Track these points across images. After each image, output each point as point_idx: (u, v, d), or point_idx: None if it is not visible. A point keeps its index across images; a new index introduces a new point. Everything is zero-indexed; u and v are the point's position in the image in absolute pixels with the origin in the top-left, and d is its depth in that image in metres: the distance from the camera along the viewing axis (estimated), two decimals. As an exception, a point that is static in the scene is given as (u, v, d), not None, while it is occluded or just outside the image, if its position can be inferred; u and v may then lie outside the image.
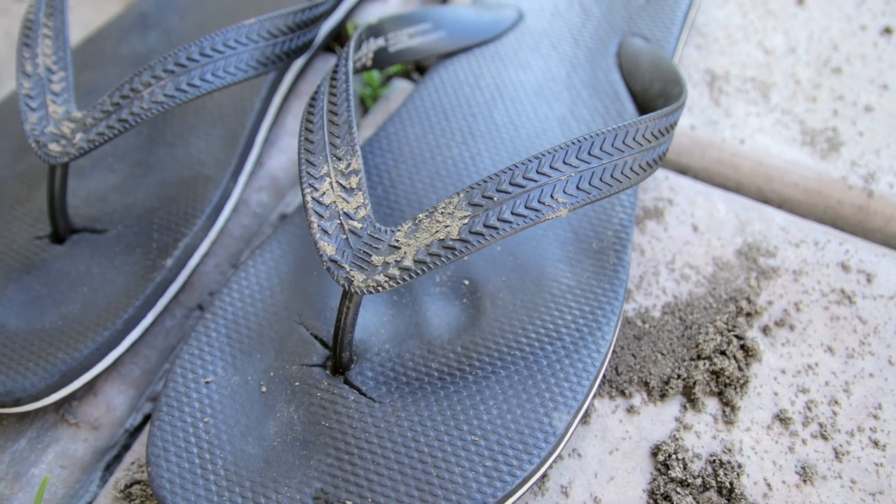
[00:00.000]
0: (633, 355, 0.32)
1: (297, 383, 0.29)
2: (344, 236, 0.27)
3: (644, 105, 0.35)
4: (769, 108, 0.38)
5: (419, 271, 0.26)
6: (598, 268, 0.32)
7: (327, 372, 0.29)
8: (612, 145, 0.28)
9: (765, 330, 0.32)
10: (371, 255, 0.27)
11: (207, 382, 0.29)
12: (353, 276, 0.27)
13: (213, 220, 0.34)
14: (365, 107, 0.42)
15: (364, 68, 0.35)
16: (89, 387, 0.32)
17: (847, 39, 0.40)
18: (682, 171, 0.38)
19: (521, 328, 0.30)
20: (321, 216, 0.27)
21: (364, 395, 0.28)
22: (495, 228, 0.26)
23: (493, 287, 0.31)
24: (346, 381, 0.29)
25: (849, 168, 0.36)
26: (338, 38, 0.43)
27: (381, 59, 0.36)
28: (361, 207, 0.28)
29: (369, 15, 0.45)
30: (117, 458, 0.31)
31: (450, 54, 0.38)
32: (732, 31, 0.41)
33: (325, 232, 0.27)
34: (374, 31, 0.35)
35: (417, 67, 0.43)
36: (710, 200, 0.36)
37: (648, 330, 0.32)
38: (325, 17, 0.36)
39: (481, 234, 0.26)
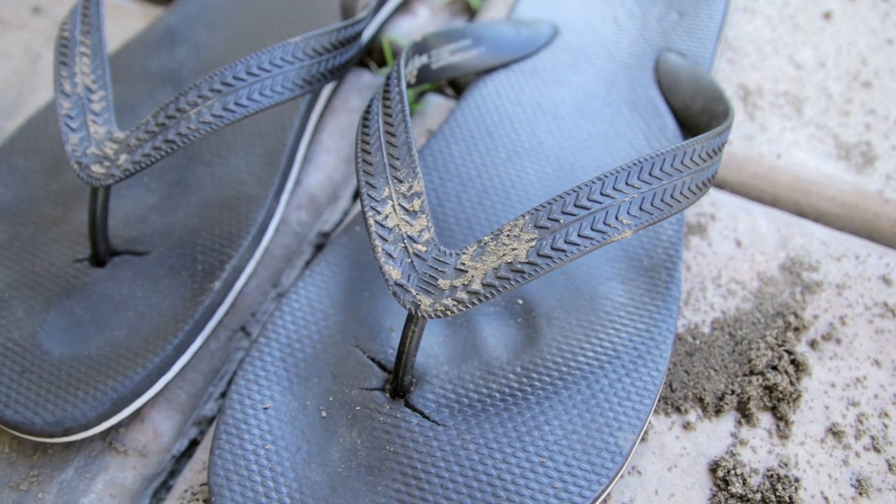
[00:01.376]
0: (686, 371, 0.32)
1: (357, 408, 0.28)
2: (409, 260, 0.27)
3: (686, 122, 0.35)
4: (803, 122, 0.39)
5: (488, 295, 0.26)
6: (650, 285, 0.32)
7: (387, 395, 0.29)
8: (672, 165, 0.28)
9: (812, 344, 0.33)
10: (437, 279, 0.27)
11: (266, 408, 0.29)
12: (420, 301, 0.26)
13: (258, 241, 0.34)
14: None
15: (408, 85, 0.35)
16: (136, 413, 0.31)
17: (875, 53, 0.41)
18: (720, 185, 0.38)
19: (578, 347, 0.30)
20: (385, 240, 0.27)
21: (427, 418, 0.28)
22: (563, 251, 0.26)
23: (547, 306, 0.31)
24: (408, 405, 0.29)
25: (884, 181, 0.37)
26: (370, 53, 0.43)
27: (424, 77, 0.35)
28: (425, 230, 0.27)
29: (398, 29, 0.44)
30: (164, 485, 0.31)
31: (488, 70, 0.38)
32: (762, 45, 0.41)
33: (390, 256, 0.27)
34: (419, 48, 0.34)
35: (450, 83, 0.42)
36: (752, 215, 0.36)
37: (699, 346, 0.32)
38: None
39: (549, 258, 0.26)
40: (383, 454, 0.27)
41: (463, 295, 0.26)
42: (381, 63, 0.43)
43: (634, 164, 0.27)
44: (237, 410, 0.28)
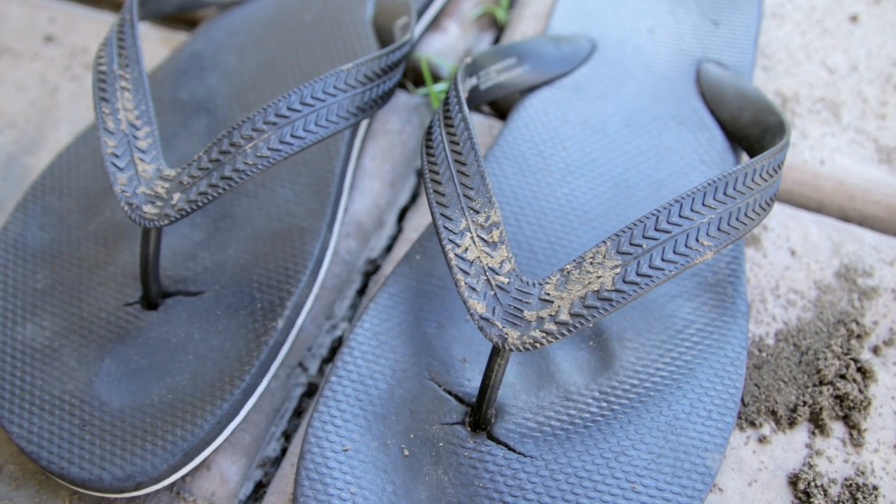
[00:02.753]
0: (757, 385, 0.32)
1: (440, 444, 0.28)
2: (492, 292, 0.26)
3: (735, 134, 0.35)
4: (842, 127, 0.39)
5: (577, 325, 0.25)
6: (716, 301, 0.32)
7: (468, 429, 0.28)
8: (743, 184, 0.28)
9: (875, 350, 0.33)
10: (523, 311, 0.26)
11: (345, 450, 0.28)
12: (508, 334, 0.26)
13: (316, 275, 0.33)
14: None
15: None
16: (202, 460, 0.30)
17: (903, 56, 0.41)
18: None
19: (653, 368, 0.30)
20: (467, 273, 0.27)
21: (513, 450, 0.28)
22: (648, 276, 0.26)
23: (617, 328, 0.31)
24: (491, 438, 0.28)
25: (926, 184, 0.37)
26: (405, 73, 0.42)
27: (473, 98, 0.35)
28: (506, 261, 0.27)
29: (430, 47, 0.44)
30: (232, 532, 0.30)
31: (531, 88, 0.37)
32: (794, 51, 0.41)
33: (473, 289, 0.26)
34: (470, 69, 0.34)
35: (488, 101, 0.42)
36: (802, 224, 0.36)
37: (766, 358, 0.32)
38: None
39: (636, 284, 0.26)
40: (472, 490, 0.27)
41: (551, 326, 0.26)
42: (417, 83, 0.42)
43: (709, 184, 0.27)
44: (317, 455, 0.27)
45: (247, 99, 0.38)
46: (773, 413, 0.31)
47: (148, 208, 0.29)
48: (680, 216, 0.27)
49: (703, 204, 0.27)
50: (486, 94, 0.35)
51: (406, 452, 0.28)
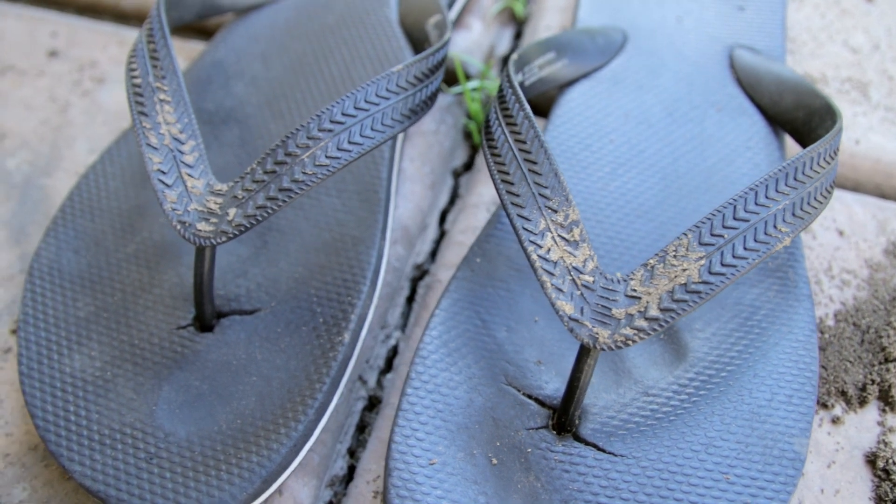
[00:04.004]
0: (824, 367, 0.32)
1: (528, 449, 0.27)
2: (578, 292, 0.26)
3: (777, 118, 0.35)
4: (872, 106, 0.40)
5: (668, 319, 0.25)
6: (779, 286, 0.32)
7: (553, 433, 0.28)
8: (811, 168, 0.28)
9: (931, 324, 0.33)
10: (611, 309, 0.26)
11: (432, 464, 0.27)
12: (598, 333, 0.25)
13: (375, 284, 0.32)
14: (472, 141, 0.40)
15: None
16: (274, 484, 0.29)
17: (921, 33, 0.42)
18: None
19: (727, 357, 0.30)
20: (552, 274, 0.26)
21: (602, 450, 0.27)
22: (733, 266, 0.26)
23: (686, 319, 0.31)
24: (579, 439, 0.28)
25: (959, 157, 0.38)
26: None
27: (519, 94, 0.34)
28: (589, 259, 0.26)
29: (455, 45, 0.43)
30: (307, 556, 0.29)
31: (569, 83, 0.37)
32: (816, 32, 0.42)
33: (560, 290, 0.26)
34: (517, 66, 0.33)
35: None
36: (846, 204, 0.37)
37: (830, 340, 0.33)
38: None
39: (722, 275, 0.26)
40: (567, 494, 0.26)
41: (642, 323, 0.25)
42: (448, 82, 0.41)
43: (780, 171, 0.27)
44: (404, 471, 0.27)
45: (278, 107, 0.37)
46: (843, 393, 0.31)
47: (202, 226, 0.28)
48: (756, 204, 0.27)
49: (777, 190, 0.27)
50: (530, 90, 0.35)
51: (494, 461, 0.27)
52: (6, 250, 0.36)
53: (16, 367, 0.32)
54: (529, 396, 0.29)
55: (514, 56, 0.32)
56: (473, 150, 0.40)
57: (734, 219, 0.26)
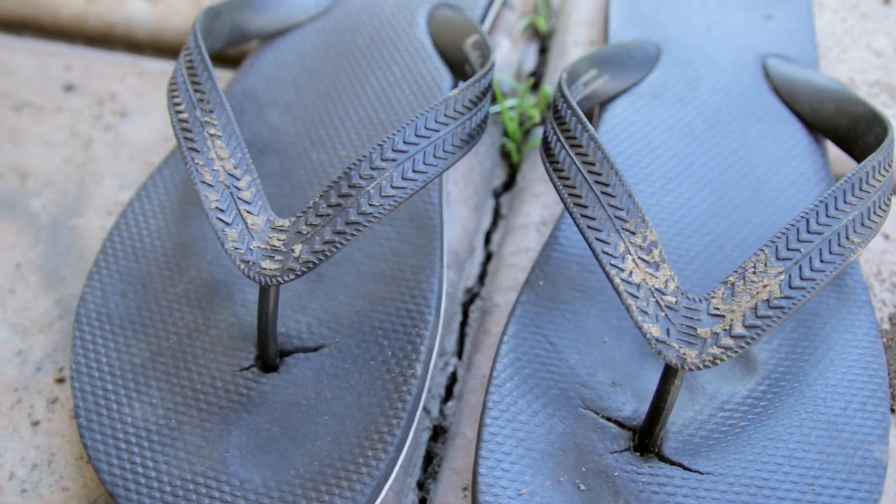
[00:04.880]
0: (885, 372, 0.32)
1: (615, 473, 0.27)
2: (663, 313, 0.26)
3: (819, 125, 0.36)
4: (900, 108, 0.40)
5: (754, 336, 0.25)
6: (837, 292, 0.32)
7: (637, 454, 0.27)
8: (874, 178, 0.28)
9: (981, 323, 0.34)
10: (696, 329, 0.25)
11: (521, 494, 0.26)
12: (685, 354, 0.25)
13: (439, 313, 0.31)
14: (510, 160, 0.40)
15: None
16: (352, 526, 0.28)
17: (938, 34, 0.43)
18: (838, 180, 0.39)
19: (795, 367, 0.30)
20: (636, 297, 0.26)
21: (688, 469, 0.27)
22: (812, 280, 0.26)
23: (753, 331, 0.31)
24: (663, 459, 0.27)
25: None
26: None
27: (567, 113, 0.34)
28: (670, 280, 0.26)
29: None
30: None
31: (610, 99, 0.37)
32: (839, 37, 0.42)
33: (645, 312, 0.26)
34: (568, 83, 0.33)
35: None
36: (886, 206, 0.37)
37: (888, 343, 0.33)
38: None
39: (802, 289, 0.26)
40: (659, 518, 0.26)
41: (728, 341, 0.25)
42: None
43: (846, 182, 0.28)
44: (493, 503, 0.26)
45: (317, 134, 0.36)
46: (907, 397, 0.32)
47: (266, 264, 0.27)
48: (827, 216, 0.27)
49: (845, 202, 0.27)
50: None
51: (582, 487, 0.27)
52: (42, 296, 0.34)
53: (64, 418, 0.31)
54: (609, 419, 0.28)
55: (564, 74, 0.32)
56: (512, 169, 0.40)
57: (808, 232, 0.27)
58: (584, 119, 0.29)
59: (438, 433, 0.32)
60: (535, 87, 0.43)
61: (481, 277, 0.37)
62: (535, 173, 0.38)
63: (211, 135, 0.29)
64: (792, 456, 0.28)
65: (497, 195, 0.39)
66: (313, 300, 0.31)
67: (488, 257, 0.37)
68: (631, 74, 0.37)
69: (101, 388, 0.29)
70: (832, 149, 0.38)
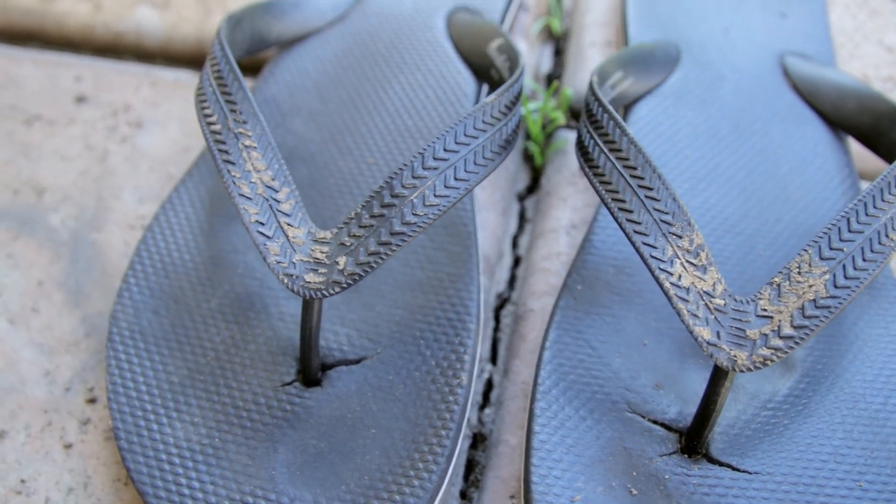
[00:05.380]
0: (917, 365, 0.33)
1: (666, 476, 0.27)
2: (712, 316, 0.26)
3: (841, 122, 0.36)
4: (914, 104, 0.41)
5: (803, 336, 0.25)
6: (870, 289, 0.32)
7: (685, 456, 0.28)
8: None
9: None
10: (745, 330, 0.26)
11: (575, 501, 0.26)
12: (736, 356, 0.25)
13: (479, 321, 0.31)
14: (534, 164, 0.40)
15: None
16: (402, 538, 0.28)
17: (945, 30, 0.44)
18: (862, 176, 0.39)
19: (833, 362, 0.30)
20: (686, 300, 0.26)
21: (737, 469, 0.27)
22: (856, 279, 0.26)
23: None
24: (711, 461, 0.27)
25: None
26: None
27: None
28: (717, 282, 0.26)
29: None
30: None
31: (634, 101, 0.37)
32: (851, 34, 0.43)
33: (696, 316, 0.26)
34: (599, 84, 0.33)
35: (573, 116, 0.41)
36: (906, 201, 0.38)
37: (918, 337, 0.33)
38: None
39: (847, 288, 0.26)
40: (713, 520, 0.26)
41: (777, 342, 0.25)
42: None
43: (882, 181, 0.28)
44: (547, 512, 0.26)
45: (344, 142, 0.36)
46: (939, 389, 0.32)
47: (310, 277, 0.27)
48: (867, 215, 0.27)
49: (883, 200, 0.28)
50: (606, 111, 0.34)
51: (634, 492, 0.27)
52: (66, 314, 0.33)
53: (98, 439, 0.30)
54: (655, 422, 0.28)
55: (594, 76, 0.32)
56: (535, 172, 0.40)
57: (849, 231, 0.27)
58: (622, 122, 0.29)
59: (478, 441, 0.32)
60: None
61: (511, 282, 0.36)
62: (560, 176, 0.38)
63: (246, 146, 0.29)
64: (836, 453, 0.28)
65: (521, 198, 0.39)
66: (351, 311, 0.31)
67: (516, 261, 0.37)
68: (654, 76, 0.37)
69: (139, 409, 0.28)
70: (853, 144, 0.38)
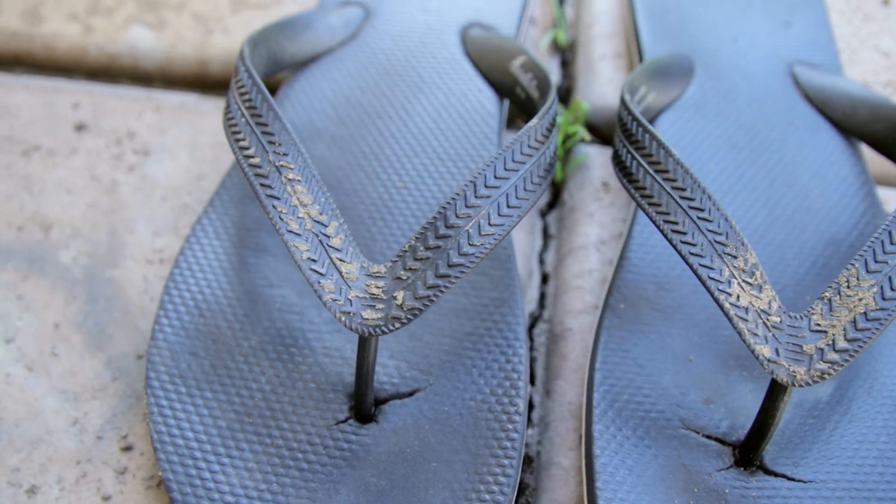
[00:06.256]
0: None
1: (726, 491, 0.27)
2: (770, 333, 0.26)
3: (854, 130, 0.37)
4: (911, 107, 0.42)
5: (857, 349, 0.26)
6: None
7: (741, 469, 0.28)
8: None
9: None
10: (801, 346, 0.26)
11: (643, 522, 0.27)
12: (795, 371, 0.26)
13: (527, 345, 0.31)
14: (554, 179, 0.40)
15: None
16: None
17: (932, 34, 0.46)
18: (878, 181, 0.40)
19: (868, 366, 0.31)
20: (746, 320, 0.26)
21: (793, 479, 0.28)
22: (902, 290, 0.27)
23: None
24: (767, 472, 0.28)
25: None
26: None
27: (626, 134, 0.34)
28: (772, 300, 0.27)
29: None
30: None
31: (656, 115, 0.37)
32: (848, 39, 0.44)
33: (755, 335, 0.26)
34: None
35: (590, 130, 0.41)
36: (913, 203, 0.39)
37: (936, 336, 0.35)
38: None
39: (894, 299, 0.27)
40: (776, 532, 0.27)
41: (833, 356, 0.26)
42: (513, 120, 0.40)
43: None
44: (621, 536, 0.26)
45: (371, 167, 0.35)
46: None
47: (368, 314, 0.26)
48: (904, 227, 0.28)
49: (918, 210, 0.29)
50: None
51: (697, 510, 0.27)
52: (89, 358, 0.32)
53: (139, 489, 0.29)
54: (709, 437, 0.29)
55: (626, 92, 0.32)
56: (555, 187, 0.40)
57: (891, 244, 0.28)
58: (664, 141, 0.29)
59: (525, 462, 0.32)
60: (563, 101, 0.43)
61: (540, 300, 0.36)
62: (583, 192, 0.38)
63: (289, 180, 0.28)
64: (882, 456, 0.29)
65: (543, 214, 0.39)
66: (398, 342, 0.30)
67: (543, 278, 0.37)
68: (673, 89, 0.38)
69: (189, 458, 0.27)
70: (867, 150, 0.39)
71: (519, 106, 0.36)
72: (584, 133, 0.39)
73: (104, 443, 0.30)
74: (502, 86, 0.37)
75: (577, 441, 0.31)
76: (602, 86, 0.41)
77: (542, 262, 0.38)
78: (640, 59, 0.40)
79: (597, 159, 0.39)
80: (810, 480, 0.28)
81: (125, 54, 0.41)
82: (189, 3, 0.43)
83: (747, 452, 0.28)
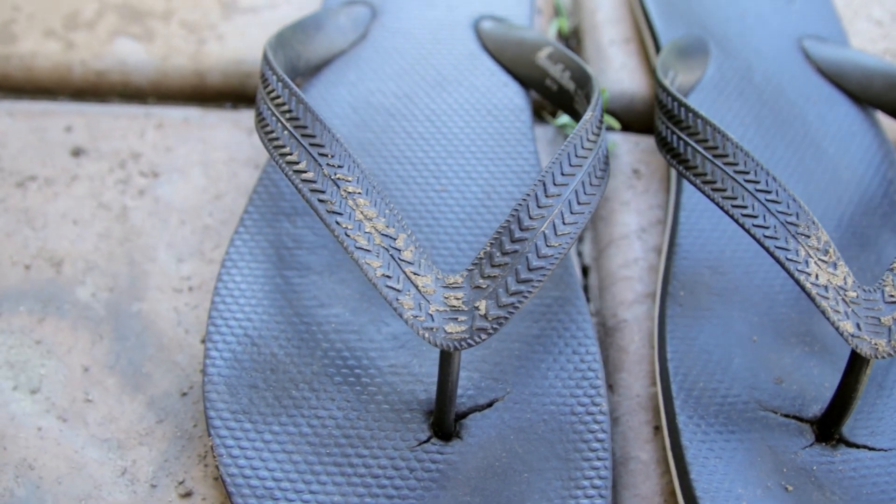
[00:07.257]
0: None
1: (814, 467, 0.28)
2: (850, 309, 0.26)
3: (871, 101, 0.38)
4: (908, 74, 0.44)
5: (933, 317, 0.27)
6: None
7: (823, 444, 0.28)
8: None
9: None
10: (879, 318, 0.27)
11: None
12: (877, 344, 0.26)
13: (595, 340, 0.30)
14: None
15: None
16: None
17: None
18: None
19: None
20: (826, 298, 0.26)
21: (874, 448, 0.28)
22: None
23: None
24: (848, 444, 0.28)
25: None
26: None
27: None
28: (847, 276, 0.27)
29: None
30: None
31: (685, 96, 0.37)
32: (842, 10, 0.45)
33: (837, 311, 0.26)
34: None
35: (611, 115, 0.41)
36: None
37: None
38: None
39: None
40: (865, 500, 0.27)
41: (912, 326, 0.26)
42: (537, 112, 0.40)
43: None
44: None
45: (406, 172, 0.33)
46: None
47: (451, 327, 0.25)
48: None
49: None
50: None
51: (789, 488, 0.27)
52: (127, 401, 0.29)
53: (207, 537, 0.27)
54: (787, 416, 0.29)
55: (661, 73, 0.32)
56: (582, 177, 0.39)
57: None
58: (719, 126, 0.29)
59: (596, 461, 0.31)
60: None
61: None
62: (616, 181, 0.37)
63: (349, 193, 0.26)
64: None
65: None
66: (468, 352, 0.29)
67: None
68: (696, 70, 0.38)
69: (269, 498, 0.26)
70: (882, 118, 0.40)
71: (550, 98, 0.36)
72: (612, 122, 0.38)
73: (160, 491, 0.28)
74: (529, 79, 0.36)
75: (651, 434, 0.30)
76: (616, 72, 0.41)
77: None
78: (656, 42, 0.40)
79: (623, 146, 0.38)
80: (891, 448, 0.28)
81: (114, 70, 0.38)
82: (175, 10, 0.40)
83: (828, 427, 0.28)
